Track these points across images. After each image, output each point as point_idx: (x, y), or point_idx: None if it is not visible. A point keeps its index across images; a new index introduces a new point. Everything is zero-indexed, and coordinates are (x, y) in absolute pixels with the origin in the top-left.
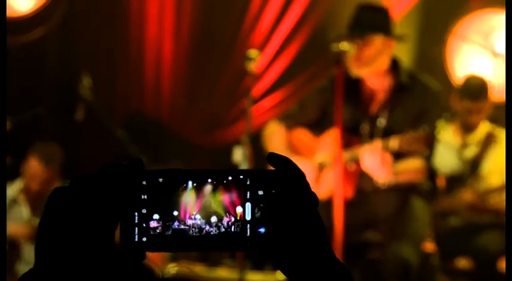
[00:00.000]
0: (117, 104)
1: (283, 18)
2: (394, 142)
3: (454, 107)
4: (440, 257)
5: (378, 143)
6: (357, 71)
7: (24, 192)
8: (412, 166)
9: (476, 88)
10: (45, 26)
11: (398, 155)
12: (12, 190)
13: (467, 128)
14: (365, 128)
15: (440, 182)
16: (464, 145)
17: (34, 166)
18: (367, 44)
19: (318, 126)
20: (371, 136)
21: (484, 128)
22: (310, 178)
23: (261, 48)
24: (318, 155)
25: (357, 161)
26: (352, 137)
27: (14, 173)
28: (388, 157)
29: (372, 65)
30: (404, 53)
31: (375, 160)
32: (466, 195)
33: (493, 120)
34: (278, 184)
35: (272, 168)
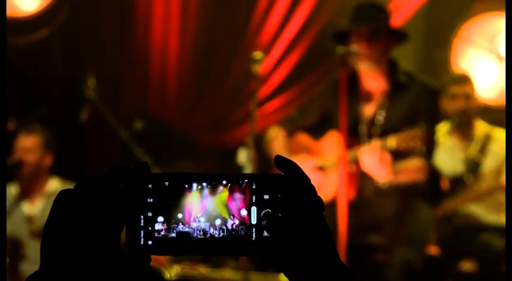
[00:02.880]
0: (122, 105)
1: (289, 21)
2: (391, 141)
3: (446, 110)
4: (444, 260)
5: (376, 143)
6: (365, 67)
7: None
8: (411, 165)
9: (459, 75)
10: (50, 26)
11: (398, 156)
12: (11, 192)
13: (464, 127)
14: (363, 129)
15: (444, 185)
16: (463, 147)
17: (33, 142)
18: (377, 39)
19: (317, 130)
20: (369, 136)
21: (482, 129)
22: (313, 181)
23: (267, 50)
24: (319, 158)
25: (356, 162)
26: (351, 139)
27: (11, 175)
28: (387, 156)
29: (381, 62)
30: (409, 56)
31: (373, 160)
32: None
33: (496, 122)
34: (284, 188)
35: (278, 171)
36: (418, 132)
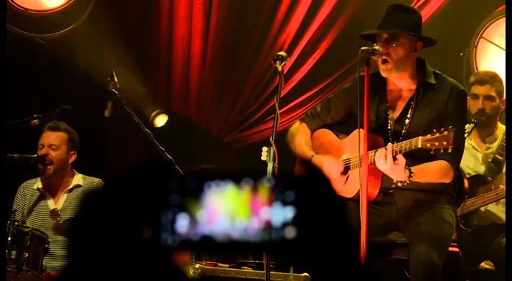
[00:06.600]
0: (145, 102)
1: (312, 19)
2: (417, 141)
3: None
4: (463, 259)
5: (389, 145)
6: (386, 73)
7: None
8: (434, 167)
9: (484, 75)
10: (74, 23)
11: (425, 156)
12: (38, 183)
13: (485, 128)
14: (390, 127)
15: (465, 185)
16: (484, 147)
17: (58, 139)
18: (397, 43)
19: (341, 127)
20: (395, 136)
21: (502, 129)
22: (334, 176)
23: (291, 48)
24: (343, 155)
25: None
26: (378, 137)
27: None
28: (401, 158)
29: (399, 67)
30: (430, 56)
31: (385, 162)
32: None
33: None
34: (307, 189)
35: (300, 170)
36: (444, 133)
